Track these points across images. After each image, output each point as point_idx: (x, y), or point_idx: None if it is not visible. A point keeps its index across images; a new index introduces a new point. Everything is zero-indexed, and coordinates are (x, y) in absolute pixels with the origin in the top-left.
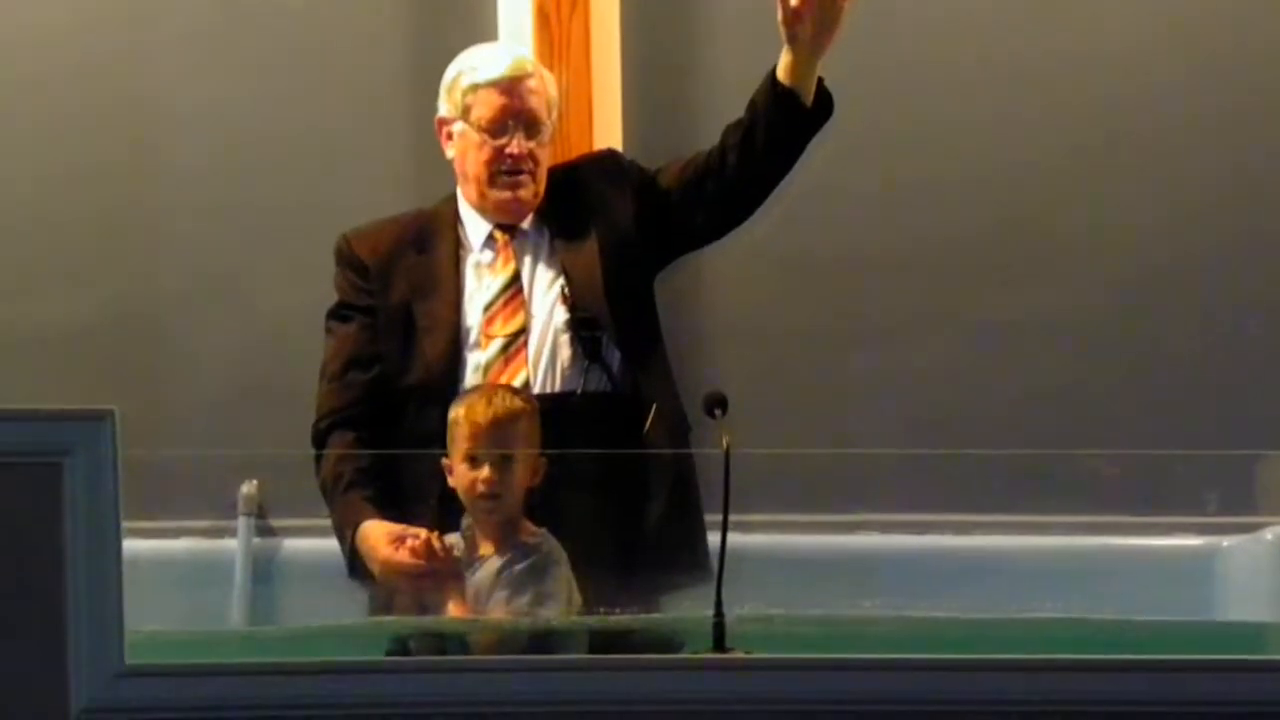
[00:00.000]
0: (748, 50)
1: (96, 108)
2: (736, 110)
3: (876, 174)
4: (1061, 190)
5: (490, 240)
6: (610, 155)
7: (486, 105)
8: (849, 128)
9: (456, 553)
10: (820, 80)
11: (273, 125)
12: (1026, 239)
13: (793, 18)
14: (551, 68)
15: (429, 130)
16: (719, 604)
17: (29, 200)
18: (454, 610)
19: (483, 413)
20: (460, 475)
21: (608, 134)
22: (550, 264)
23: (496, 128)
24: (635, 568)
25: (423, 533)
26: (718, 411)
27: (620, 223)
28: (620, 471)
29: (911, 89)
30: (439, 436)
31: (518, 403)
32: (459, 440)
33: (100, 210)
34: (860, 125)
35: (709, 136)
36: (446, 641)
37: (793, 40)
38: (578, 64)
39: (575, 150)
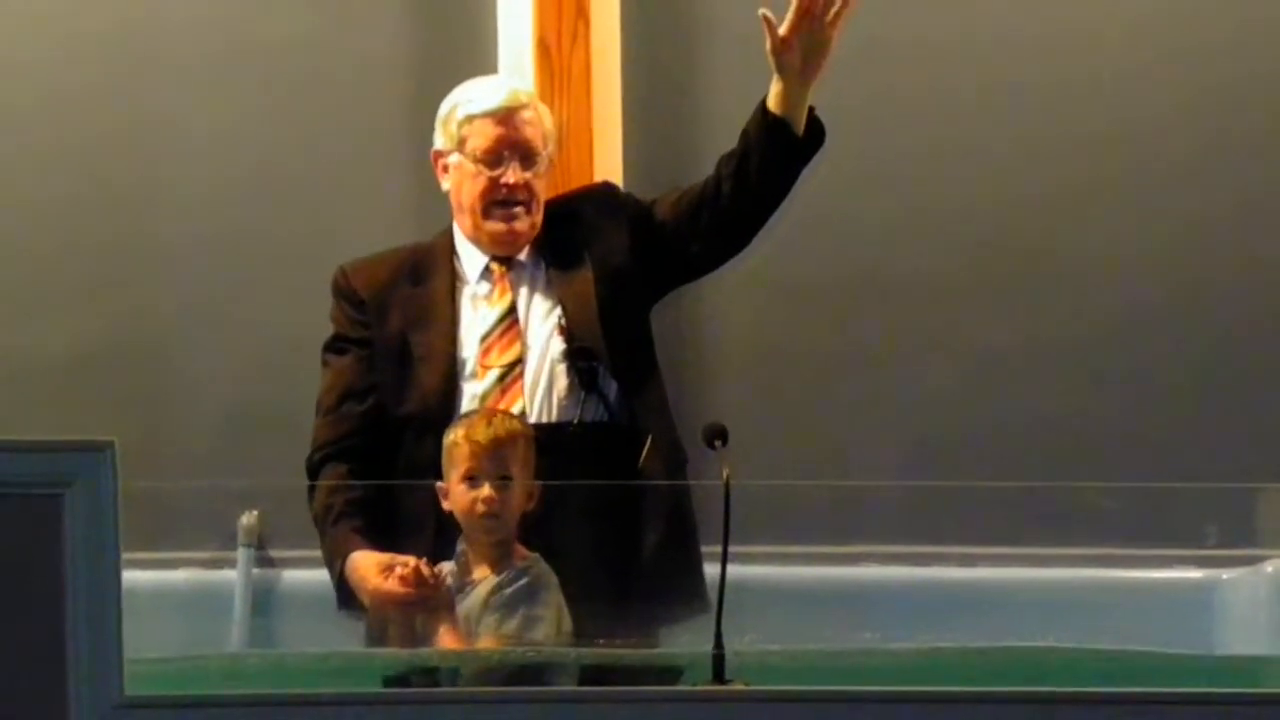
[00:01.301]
0: (748, 82)
1: (97, 136)
2: (736, 141)
3: (874, 201)
4: (1060, 217)
5: (486, 272)
6: (606, 187)
7: (482, 136)
8: (844, 155)
9: (449, 579)
10: (811, 109)
11: (274, 155)
12: (1025, 266)
13: (781, 46)
14: (552, 100)
15: (429, 162)
16: (719, 636)
17: (30, 226)
18: (445, 636)
19: (483, 432)
20: (459, 496)
21: (608, 166)
22: (547, 295)
23: (492, 158)
24: (631, 599)
25: (411, 560)
26: (718, 443)
27: (616, 254)
28: (616, 502)
29: (905, 116)
30: (435, 467)
31: (516, 424)
32: (458, 461)
33: (100, 238)
34: (855, 153)
35: (710, 167)
36: (441, 671)
37: (782, 69)
38: (578, 96)
39: (576, 182)
